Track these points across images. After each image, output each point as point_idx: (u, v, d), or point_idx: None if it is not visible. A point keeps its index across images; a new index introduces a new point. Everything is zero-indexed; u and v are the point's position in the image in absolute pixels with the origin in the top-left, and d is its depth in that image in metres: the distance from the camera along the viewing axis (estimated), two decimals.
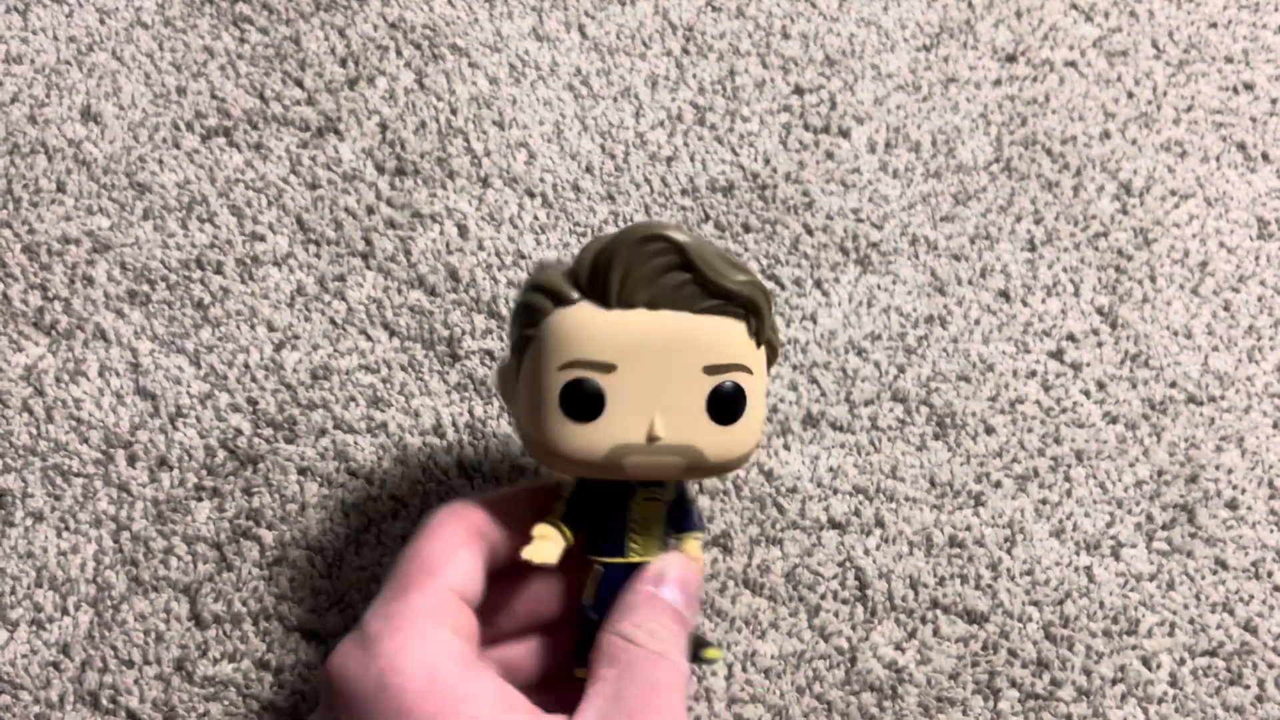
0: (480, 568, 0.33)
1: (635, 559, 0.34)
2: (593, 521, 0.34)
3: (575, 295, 0.32)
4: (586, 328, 0.32)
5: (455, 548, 0.32)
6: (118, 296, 0.45)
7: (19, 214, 0.46)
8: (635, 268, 0.31)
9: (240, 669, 0.40)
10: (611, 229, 0.46)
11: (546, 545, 0.33)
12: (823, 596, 0.42)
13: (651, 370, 0.32)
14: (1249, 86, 0.51)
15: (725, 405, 0.32)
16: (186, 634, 0.40)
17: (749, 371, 0.33)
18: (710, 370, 0.32)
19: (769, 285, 0.45)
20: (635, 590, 0.33)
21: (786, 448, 0.44)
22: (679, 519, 0.35)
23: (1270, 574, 0.43)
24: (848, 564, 0.42)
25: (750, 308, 0.32)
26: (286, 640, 0.40)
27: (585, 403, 0.32)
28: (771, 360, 0.35)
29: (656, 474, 0.33)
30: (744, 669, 0.41)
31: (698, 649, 0.35)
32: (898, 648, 0.41)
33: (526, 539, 0.33)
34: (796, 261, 0.47)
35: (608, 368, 0.32)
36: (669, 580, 0.33)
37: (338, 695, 0.30)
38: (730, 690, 0.41)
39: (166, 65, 0.48)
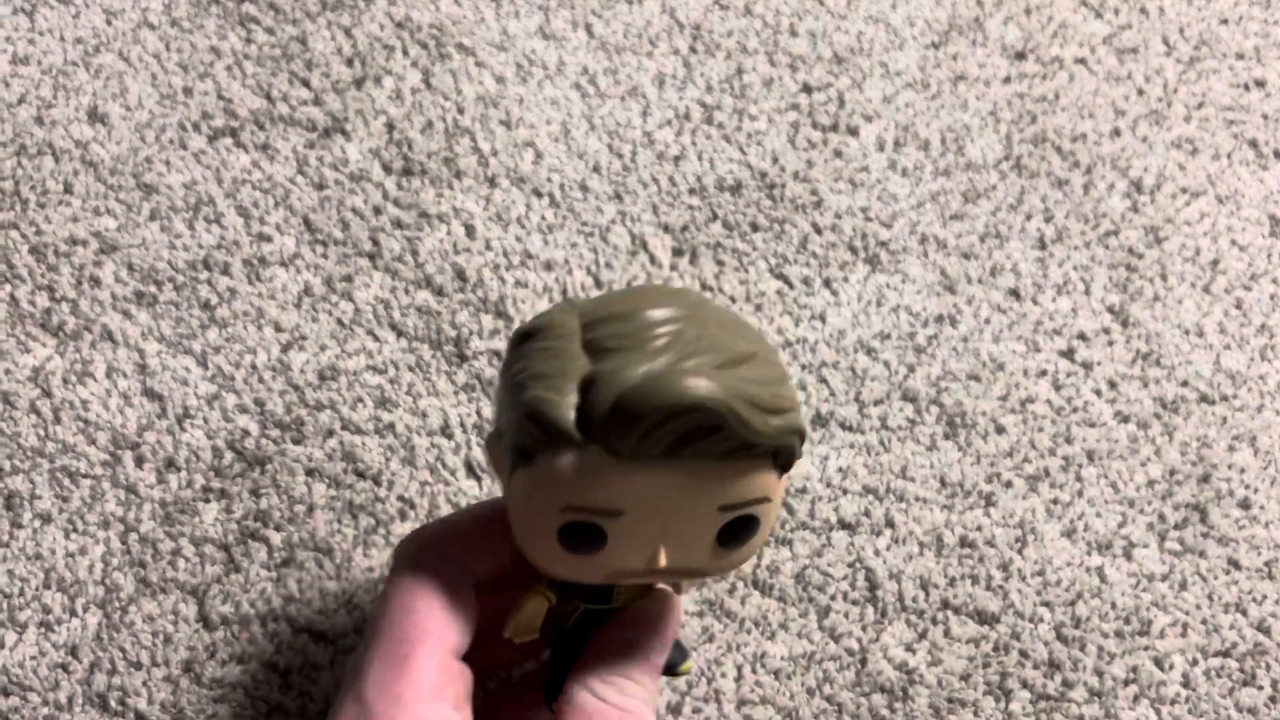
0: (473, 611, 0.32)
1: (619, 605, 0.33)
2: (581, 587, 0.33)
3: (579, 439, 0.27)
4: (593, 477, 0.27)
5: (451, 601, 0.31)
6: (125, 297, 0.44)
7: (26, 215, 0.45)
8: (660, 433, 0.27)
9: (248, 670, 0.40)
10: (620, 228, 0.46)
11: (531, 619, 0.32)
12: (833, 597, 0.42)
13: (662, 513, 0.28)
14: (1260, 83, 0.51)
15: (736, 537, 0.29)
16: (194, 636, 0.40)
17: (768, 501, 0.29)
18: (726, 509, 0.28)
19: (776, 284, 0.45)
20: (612, 637, 0.32)
21: None
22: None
23: None
24: (858, 565, 0.42)
25: (787, 454, 0.29)
26: (294, 641, 0.40)
27: (585, 541, 0.28)
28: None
29: (651, 587, 0.33)
30: (754, 670, 0.41)
31: (673, 664, 0.34)
32: (908, 649, 0.41)
33: (503, 558, 0.32)
34: (805, 260, 0.46)
35: (614, 514, 0.28)
36: (647, 625, 0.33)
37: None
38: (740, 692, 0.40)
39: (173, 66, 0.48)
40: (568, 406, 0.27)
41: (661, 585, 0.33)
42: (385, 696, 0.30)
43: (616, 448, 0.27)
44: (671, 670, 0.34)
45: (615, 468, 0.27)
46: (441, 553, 0.32)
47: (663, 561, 0.29)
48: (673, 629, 0.33)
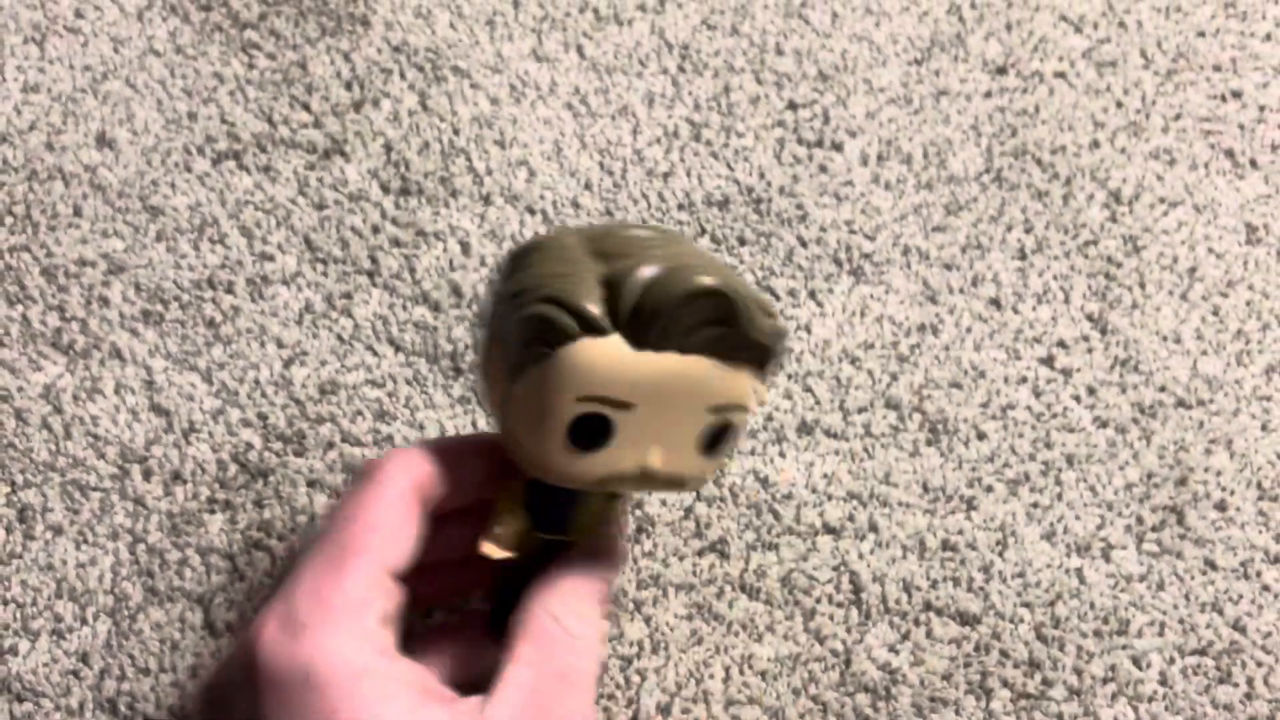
0: (416, 533, 0.32)
1: (574, 538, 0.34)
2: (545, 504, 0.34)
3: (607, 327, 0.29)
4: (615, 366, 0.29)
5: (398, 518, 0.32)
6: (132, 316, 0.46)
7: (37, 238, 0.47)
8: (680, 319, 0.29)
9: None
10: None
11: (505, 534, 0.33)
12: (818, 600, 0.43)
13: (663, 408, 0.30)
14: (1237, 94, 0.52)
15: (719, 441, 0.32)
16: (200, 642, 0.42)
17: (745, 410, 0.32)
18: (714, 410, 0.31)
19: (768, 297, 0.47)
20: (572, 568, 0.33)
21: (782, 455, 0.45)
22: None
23: (1259, 574, 0.44)
24: (842, 568, 0.43)
25: (772, 357, 0.32)
26: None
27: (593, 436, 0.30)
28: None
29: (635, 493, 0.34)
30: (741, 672, 0.42)
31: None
32: (892, 650, 0.42)
33: (469, 490, 0.33)
34: (791, 273, 0.48)
35: (626, 406, 0.30)
36: (603, 560, 0.34)
37: (261, 675, 0.29)
38: (728, 693, 0.42)
39: (178, 91, 0.50)
40: (593, 298, 0.29)
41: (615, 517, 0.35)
42: (312, 600, 0.30)
43: (640, 334, 0.29)
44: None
45: (633, 357, 0.29)
46: (402, 471, 0.32)
47: (657, 462, 0.31)
48: (619, 571, 0.35)
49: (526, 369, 0.30)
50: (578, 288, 0.29)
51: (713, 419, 0.31)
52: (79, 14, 0.51)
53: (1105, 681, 0.42)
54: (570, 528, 0.34)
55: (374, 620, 0.30)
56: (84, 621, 0.42)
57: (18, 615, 0.42)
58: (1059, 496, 0.45)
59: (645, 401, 0.30)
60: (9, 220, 0.47)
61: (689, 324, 0.29)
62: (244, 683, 0.30)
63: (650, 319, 0.29)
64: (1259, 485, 0.45)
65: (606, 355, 0.29)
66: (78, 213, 0.48)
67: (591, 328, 0.29)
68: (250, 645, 0.30)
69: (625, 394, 0.30)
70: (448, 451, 0.34)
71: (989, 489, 0.45)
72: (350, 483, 0.33)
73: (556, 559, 0.34)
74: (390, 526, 0.32)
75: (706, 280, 0.29)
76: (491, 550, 0.33)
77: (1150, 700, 0.42)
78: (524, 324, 0.30)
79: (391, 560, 0.31)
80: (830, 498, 0.44)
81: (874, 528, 0.44)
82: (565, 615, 0.32)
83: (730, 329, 0.30)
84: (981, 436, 0.45)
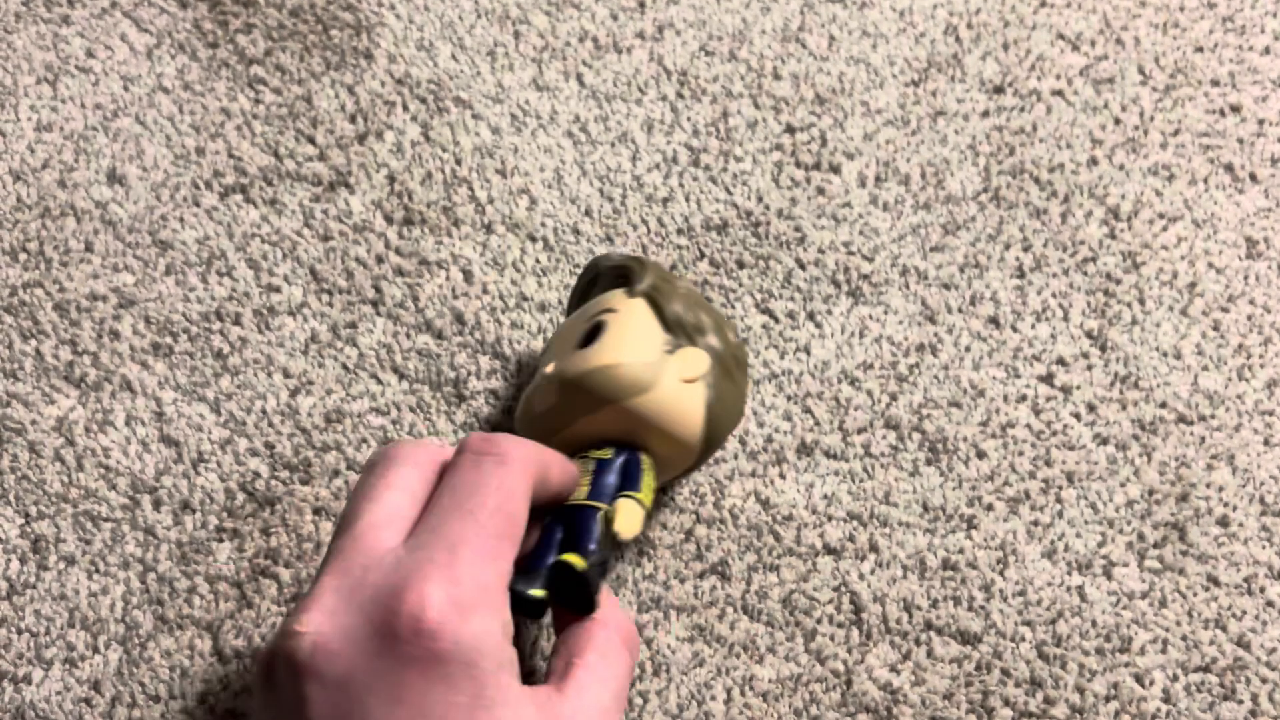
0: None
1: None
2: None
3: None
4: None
5: (525, 509, 0.33)
6: (142, 349, 0.47)
7: (50, 274, 0.48)
8: (579, 294, 0.44)
9: None
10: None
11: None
12: (819, 621, 0.43)
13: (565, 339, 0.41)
14: (1236, 109, 0.52)
15: (586, 334, 0.39)
16: (209, 669, 0.42)
17: (614, 311, 0.40)
18: (587, 319, 0.40)
19: (762, 319, 0.47)
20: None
21: (782, 476, 0.45)
22: (625, 484, 0.38)
23: (1263, 589, 0.44)
24: (843, 588, 0.44)
25: (628, 271, 0.41)
26: None
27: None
28: (662, 315, 0.40)
29: (544, 404, 0.39)
30: (743, 693, 0.42)
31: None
32: (892, 669, 0.42)
33: (561, 494, 0.37)
34: (790, 295, 0.48)
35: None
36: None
37: (422, 647, 0.29)
38: (729, 714, 0.42)
39: (186, 127, 0.51)
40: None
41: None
42: (477, 585, 0.30)
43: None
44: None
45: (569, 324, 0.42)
46: (530, 462, 0.34)
47: (550, 370, 0.40)
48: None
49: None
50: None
51: (585, 326, 0.40)
52: (90, 54, 0.53)
53: (1108, 700, 0.42)
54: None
55: (508, 610, 0.31)
56: (96, 650, 0.43)
57: (31, 644, 0.43)
58: (1060, 514, 0.45)
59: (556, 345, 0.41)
60: (23, 256, 0.49)
61: (578, 295, 0.44)
62: (376, 644, 0.29)
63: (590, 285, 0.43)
64: (1262, 500, 0.45)
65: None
66: (89, 248, 0.49)
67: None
68: (413, 611, 0.29)
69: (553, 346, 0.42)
70: (546, 453, 0.35)
71: (989, 508, 0.45)
72: (471, 451, 0.33)
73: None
74: (523, 517, 0.33)
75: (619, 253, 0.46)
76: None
77: (1154, 718, 0.42)
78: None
79: (519, 552, 0.33)
80: (830, 518, 0.45)
81: (874, 548, 0.44)
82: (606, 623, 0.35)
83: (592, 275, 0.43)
84: (981, 455, 0.46)
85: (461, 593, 0.30)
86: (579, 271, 0.48)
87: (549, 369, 0.39)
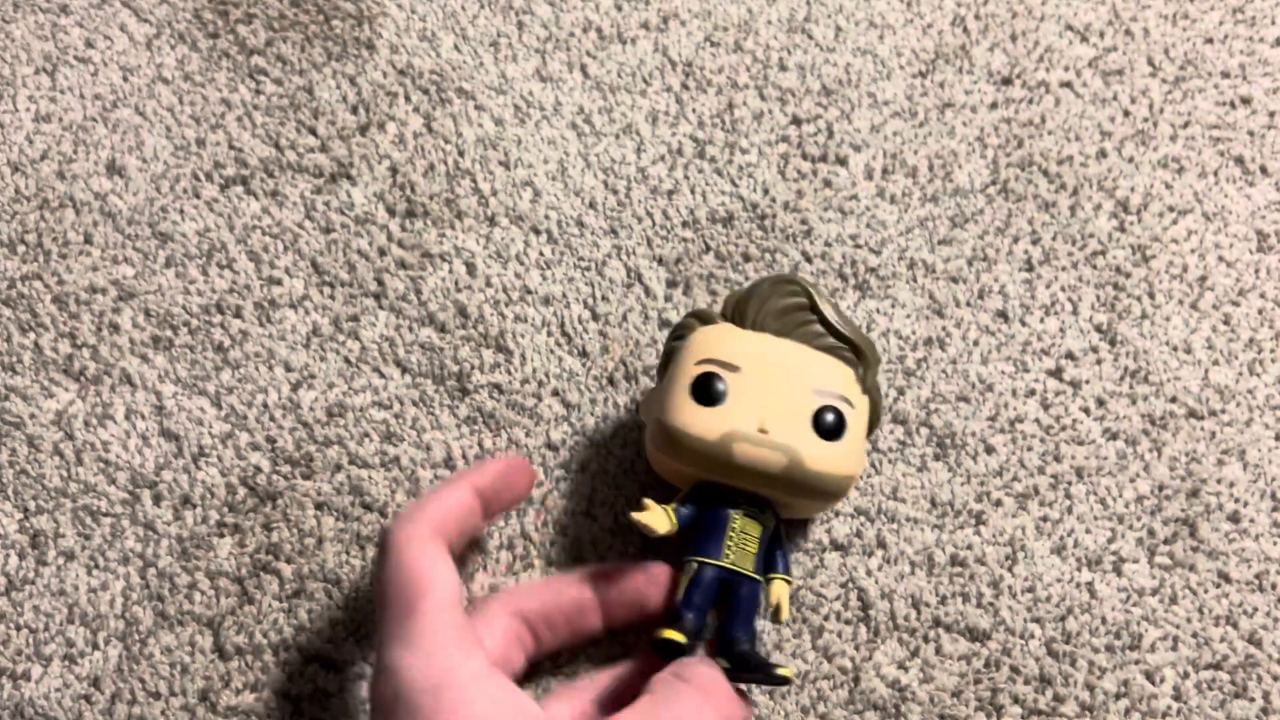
0: (454, 568, 0.36)
1: (729, 565, 0.37)
2: (696, 526, 0.38)
3: (718, 319, 0.40)
4: (723, 337, 0.39)
5: (433, 563, 0.35)
6: (142, 342, 0.46)
7: (49, 266, 0.48)
8: (770, 302, 0.39)
9: (262, 699, 0.42)
10: (615, 262, 0.48)
11: (655, 515, 0.37)
12: (826, 617, 0.43)
13: (769, 379, 0.38)
14: (1246, 101, 0.52)
15: (828, 423, 0.38)
16: (210, 666, 0.42)
17: (851, 406, 0.38)
18: (819, 393, 0.38)
19: None
20: (699, 662, 0.36)
21: None
22: (772, 559, 0.39)
23: (1274, 586, 0.43)
24: (850, 585, 0.43)
25: (859, 354, 0.39)
26: (305, 670, 0.42)
27: (710, 391, 0.37)
28: (874, 423, 0.40)
29: (761, 466, 0.37)
30: (750, 691, 0.42)
31: (768, 670, 0.37)
32: (900, 667, 0.42)
33: (476, 523, 0.38)
34: None
35: (734, 368, 0.38)
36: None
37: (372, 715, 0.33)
38: None
39: (186, 118, 0.51)
40: (712, 310, 0.41)
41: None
42: (395, 645, 0.34)
43: (740, 320, 0.39)
44: (771, 675, 0.37)
45: (738, 333, 0.39)
46: (413, 525, 0.36)
47: (768, 425, 0.37)
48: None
49: (670, 363, 0.40)
50: (710, 307, 0.44)
51: (819, 401, 0.38)
52: (89, 44, 0.52)
53: (1118, 697, 0.42)
54: (723, 554, 0.38)
55: (452, 645, 0.33)
56: (95, 646, 0.42)
57: (30, 641, 0.42)
58: (1069, 510, 0.44)
59: (751, 368, 0.38)
60: (21, 249, 0.48)
61: (778, 308, 0.39)
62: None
63: (745, 304, 0.39)
64: (1273, 496, 0.45)
65: (717, 332, 0.39)
66: (88, 240, 0.48)
67: (705, 320, 0.40)
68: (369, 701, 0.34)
69: (732, 358, 0.38)
70: (443, 497, 0.38)
71: (998, 503, 0.44)
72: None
73: (711, 590, 0.37)
74: (432, 571, 0.35)
75: (791, 275, 0.40)
76: (641, 518, 0.37)
77: (1164, 716, 0.41)
78: (666, 344, 0.41)
79: (447, 595, 0.34)
80: (838, 514, 0.44)
81: (882, 544, 0.44)
82: (689, 672, 0.35)
83: (817, 319, 0.39)
84: (990, 450, 0.45)
85: (381, 665, 0.34)
86: (583, 265, 0.48)
87: (776, 435, 0.37)
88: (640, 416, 0.43)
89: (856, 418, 0.38)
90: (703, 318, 0.40)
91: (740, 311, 0.39)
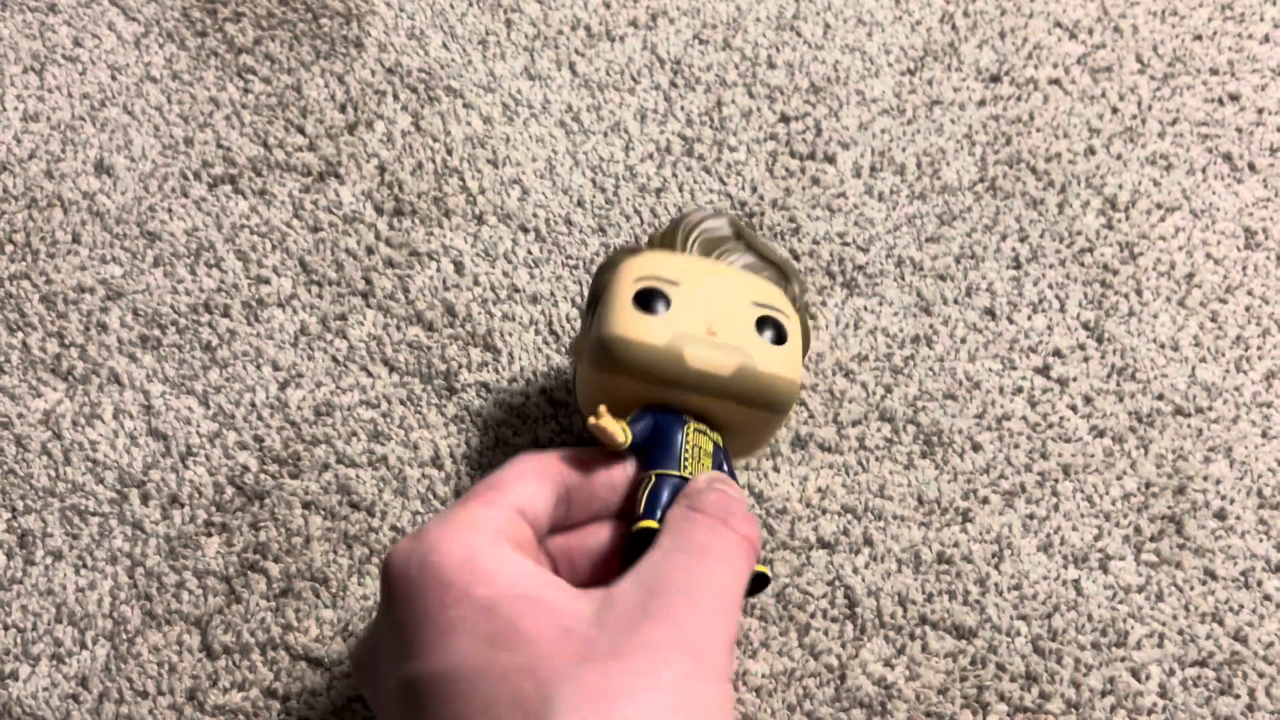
0: (548, 498, 0.34)
1: (687, 475, 0.35)
2: (651, 440, 0.36)
3: (647, 248, 0.39)
4: (656, 258, 0.38)
5: (525, 477, 0.33)
6: (130, 342, 0.46)
7: (37, 265, 0.48)
8: (696, 230, 0.39)
9: (249, 698, 0.42)
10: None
11: (615, 425, 0.35)
12: (812, 615, 0.43)
13: (709, 293, 0.37)
14: (1235, 97, 0.52)
15: (771, 327, 0.37)
16: (198, 665, 0.42)
17: (788, 318, 0.38)
18: (757, 304, 0.37)
19: None
20: (695, 482, 0.34)
21: (776, 469, 0.45)
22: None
23: (1260, 583, 0.43)
24: (837, 582, 0.43)
25: (786, 276, 0.39)
26: (293, 669, 0.42)
27: (653, 300, 0.36)
28: (805, 345, 0.39)
29: (713, 369, 0.36)
30: (735, 688, 0.42)
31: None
32: (887, 664, 0.42)
33: (597, 489, 0.35)
34: None
35: (673, 282, 0.37)
36: (727, 481, 0.34)
37: (387, 580, 0.31)
38: None
39: (174, 117, 0.51)
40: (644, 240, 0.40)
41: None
42: (436, 520, 0.31)
43: (670, 246, 0.39)
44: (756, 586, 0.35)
45: (672, 255, 0.38)
46: (532, 454, 0.35)
47: (716, 328, 0.36)
48: (741, 494, 0.35)
49: (594, 310, 0.38)
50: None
51: (759, 311, 0.37)
52: (77, 42, 0.52)
53: (1104, 694, 0.42)
54: (681, 465, 0.36)
55: (490, 530, 0.31)
56: (83, 646, 0.42)
57: (18, 640, 0.42)
58: (1056, 507, 0.44)
59: (690, 282, 0.37)
60: (9, 248, 0.48)
61: (707, 237, 0.39)
62: (382, 602, 0.31)
63: (674, 232, 0.39)
64: (1259, 493, 0.45)
65: (650, 256, 0.38)
66: (76, 239, 0.48)
67: (633, 250, 0.39)
68: (383, 564, 0.31)
69: (670, 274, 0.37)
70: (572, 451, 0.35)
71: (984, 501, 0.44)
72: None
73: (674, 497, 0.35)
74: (519, 481, 0.33)
75: (712, 207, 0.39)
76: (596, 422, 0.34)
77: (1150, 713, 0.42)
78: (593, 279, 0.39)
79: (518, 500, 0.33)
80: (824, 512, 0.44)
81: (869, 541, 0.44)
82: (700, 501, 0.33)
83: (745, 244, 0.39)
84: (977, 448, 0.45)
85: (417, 531, 0.32)
86: (571, 264, 0.48)
87: (724, 337, 0.36)
88: (569, 357, 0.41)
89: (794, 329, 0.38)
90: (631, 249, 0.39)
91: (668, 241, 0.39)
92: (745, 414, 0.37)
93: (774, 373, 0.36)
